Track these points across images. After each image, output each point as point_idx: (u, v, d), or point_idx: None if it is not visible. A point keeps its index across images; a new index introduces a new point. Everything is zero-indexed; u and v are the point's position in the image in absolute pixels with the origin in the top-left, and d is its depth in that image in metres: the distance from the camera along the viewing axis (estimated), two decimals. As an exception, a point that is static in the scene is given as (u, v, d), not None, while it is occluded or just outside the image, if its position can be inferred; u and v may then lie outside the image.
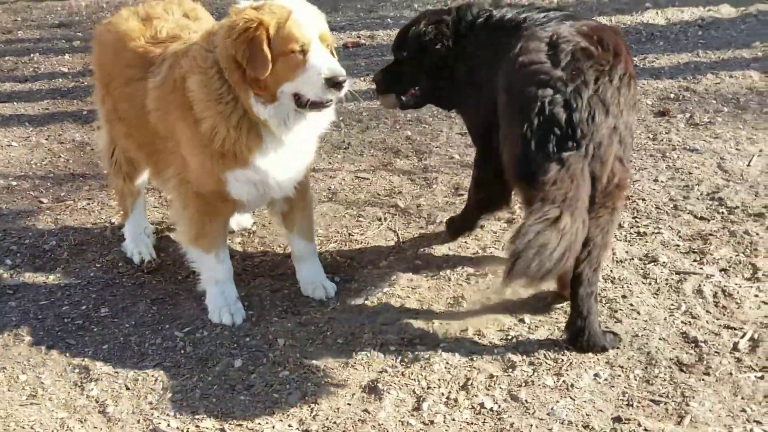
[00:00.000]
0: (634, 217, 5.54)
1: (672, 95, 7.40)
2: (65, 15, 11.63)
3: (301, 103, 4.26)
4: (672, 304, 4.66)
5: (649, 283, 4.86)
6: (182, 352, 4.49)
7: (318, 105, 4.26)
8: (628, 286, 4.83)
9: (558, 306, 4.67)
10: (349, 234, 5.56)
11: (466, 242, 5.35)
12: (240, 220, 5.59)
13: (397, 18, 10.23)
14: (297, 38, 4.17)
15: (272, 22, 4.19)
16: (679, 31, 9.05)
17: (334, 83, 4.18)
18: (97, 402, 4.18)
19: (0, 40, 10.52)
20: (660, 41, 8.82)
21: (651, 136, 6.64)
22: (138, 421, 4.05)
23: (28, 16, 11.68)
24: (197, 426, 4.00)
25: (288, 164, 4.51)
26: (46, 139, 7.26)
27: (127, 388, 4.26)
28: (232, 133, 4.36)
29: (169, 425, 4.00)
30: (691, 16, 9.44)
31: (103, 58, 5.06)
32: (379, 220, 5.71)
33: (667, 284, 4.84)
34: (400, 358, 4.36)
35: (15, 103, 8.15)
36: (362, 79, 8.21)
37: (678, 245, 5.21)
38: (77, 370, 4.40)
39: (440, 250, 5.29)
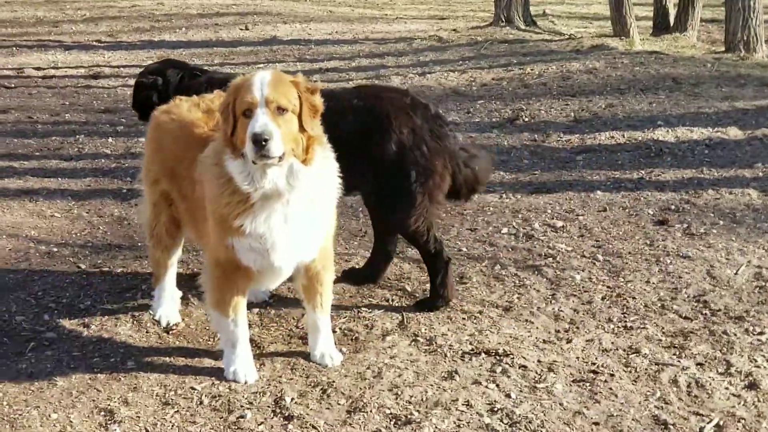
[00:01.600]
0: (623, 313, 5.99)
1: (673, 206, 7.91)
2: (110, 102, 12.38)
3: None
4: (648, 391, 5.08)
5: (630, 372, 5.29)
6: (199, 402, 4.95)
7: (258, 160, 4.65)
8: (609, 373, 5.26)
9: (542, 385, 5.11)
10: (358, 311, 6.04)
11: (464, 324, 5.82)
12: (257, 294, 6.09)
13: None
14: (246, 102, 4.66)
15: (237, 89, 4.77)
16: (686, 149, 9.60)
17: (254, 140, 4.55)
18: (119, 441, 4.66)
19: (48, 122, 11.26)
20: (668, 157, 9.38)
21: (648, 243, 7.12)
22: (155, 459, 4.51)
23: (75, 100, 12.44)
24: (208, 466, 4.46)
25: (286, 230, 4.88)
26: (87, 212, 7.87)
27: (147, 431, 4.73)
28: (221, 197, 4.85)
29: (182, 464, 4.46)
30: (699, 136, 10.01)
31: (164, 142, 5.63)
32: (387, 301, 6.19)
33: (646, 373, 5.26)
34: (394, 420, 4.80)
35: (59, 179, 8.77)
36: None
37: (660, 340, 5.65)
38: (103, 413, 4.86)
39: (440, 329, 5.76)
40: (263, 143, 4.54)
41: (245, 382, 5.15)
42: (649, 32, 18.46)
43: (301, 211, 4.90)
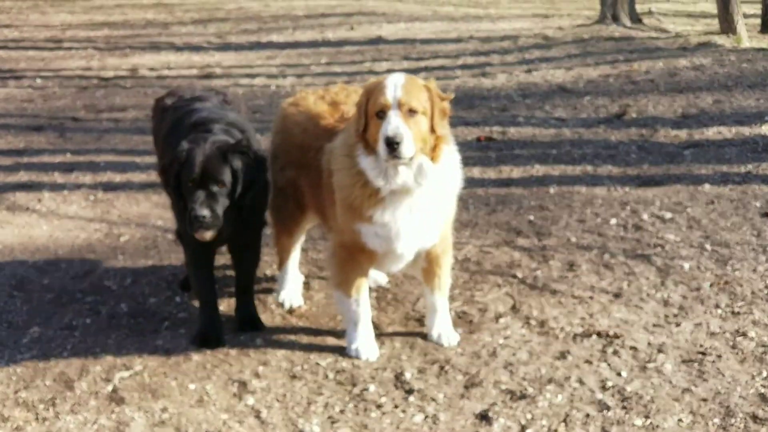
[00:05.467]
0: (730, 299, 6.12)
1: (780, 200, 7.98)
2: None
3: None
4: (755, 371, 5.22)
5: (737, 353, 5.44)
6: (325, 376, 5.27)
7: (390, 160, 4.95)
8: (717, 354, 5.42)
9: (652, 365, 5.30)
10: (472, 296, 6.30)
11: (575, 309, 6.03)
12: (377, 278, 6.39)
13: (528, 117, 11.05)
14: (380, 104, 4.94)
15: (371, 91, 5.06)
16: (795, 144, 9.62)
17: (388, 143, 4.85)
18: (252, 409, 4.98)
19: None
20: (775, 151, 9.41)
21: (755, 233, 7.21)
22: (286, 425, 4.82)
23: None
24: (335, 432, 4.78)
25: (410, 220, 5.19)
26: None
27: (278, 401, 5.05)
28: (353, 188, 5.17)
29: (312, 430, 4.76)
30: (809, 130, 10.01)
31: (291, 133, 5.96)
32: (498, 286, 6.43)
33: (752, 355, 5.40)
34: (509, 395, 5.05)
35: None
36: (491, 168, 9.04)
37: (767, 324, 5.78)
38: (236, 385, 5.22)
39: (551, 313, 5.98)
40: (395, 146, 4.82)
41: (367, 359, 5.45)
42: (757, 30, 18.30)
43: (426, 203, 5.19)
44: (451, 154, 5.29)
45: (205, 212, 5.29)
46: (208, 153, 5.37)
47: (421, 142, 4.99)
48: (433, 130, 5.04)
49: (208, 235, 5.38)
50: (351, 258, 5.42)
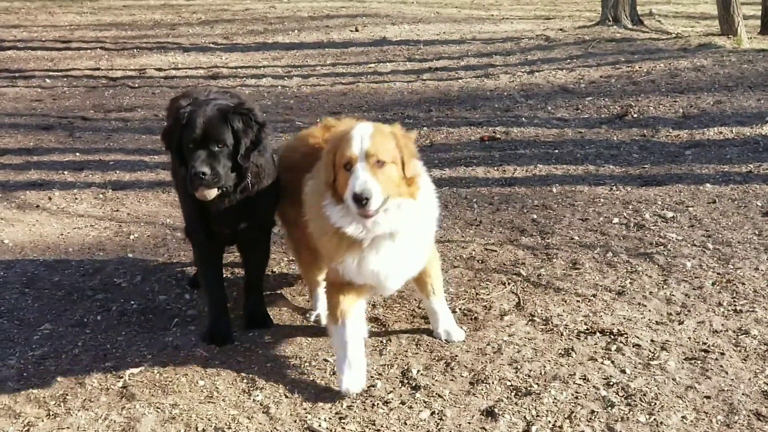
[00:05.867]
0: (732, 297, 6.19)
1: (781, 199, 8.06)
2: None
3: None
4: (758, 368, 5.30)
5: (739, 351, 5.52)
6: (332, 372, 5.35)
7: (361, 216, 4.86)
8: (720, 351, 5.50)
9: (656, 362, 5.38)
10: (477, 294, 6.38)
11: (579, 306, 6.11)
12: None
13: (531, 118, 11.12)
14: (346, 157, 4.85)
15: (338, 141, 4.98)
16: (796, 143, 9.70)
17: (355, 199, 4.76)
18: (261, 405, 5.07)
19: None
20: (777, 151, 9.49)
21: (757, 232, 7.29)
22: (295, 421, 4.91)
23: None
24: (343, 428, 4.85)
25: (396, 259, 5.12)
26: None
27: (286, 396, 5.14)
28: (332, 237, 5.09)
29: (320, 425, 4.85)
30: (809, 130, 10.09)
31: (294, 166, 5.85)
32: (503, 284, 6.52)
33: (755, 352, 5.48)
34: (515, 392, 5.13)
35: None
36: (495, 168, 9.12)
37: (769, 322, 5.87)
38: (245, 381, 5.31)
39: (555, 311, 6.06)
40: (364, 201, 4.75)
41: (347, 390, 5.10)
42: (756, 31, 18.35)
43: (409, 238, 5.14)
44: (425, 185, 5.24)
45: (205, 169, 5.32)
46: (209, 114, 5.44)
47: (395, 188, 4.92)
48: (404, 173, 4.98)
49: (209, 193, 5.40)
50: (340, 289, 5.26)
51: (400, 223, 5.00)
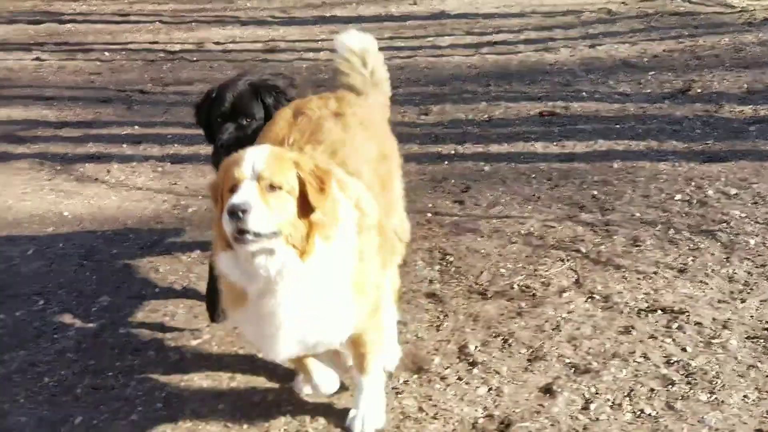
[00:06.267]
0: (797, 277, 6.09)
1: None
2: (288, 74, 12.81)
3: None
4: (823, 351, 5.21)
5: (804, 332, 5.42)
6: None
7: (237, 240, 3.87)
8: (784, 332, 5.41)
9: (717, 341, 5.29)
10: (535, 270, 6.31)
11: (639, 284, 6.02)
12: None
13: (592, 92, 10.97)
14: (233, 179, 3.94)
15: (227, 166, 4.06)
16: None
17: (230, 213, 3.80)
18: (318, 379, 5.08)
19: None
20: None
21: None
22: (351, 395, 4.91)
23: (256, 72, 12.89)
24: (400, 402, 4.86)
25: (279, 324, 4.13)
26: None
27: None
28: (223, 284, 4.31)
29: (376, 400, 4.85)
30: None
31: None
32: (562, 260, 6.44)
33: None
34: (573, 369, 5.07)
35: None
36: (554, 143, 9.01)
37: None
38: (302, 354, 5.31)
39: (615, 288, 5.98)
40: (240, 214, 3.77)
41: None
42: (827, 3, 17.95)
43: (302, 304, 4.10)
44: (332, 245, 4.10)
45: (232, 140, 5.30)
46: (240, 89, 5.45)
47: (288, 226, 3.92)
48: (305, 213, 3.98)
49: None
50: None
51: (279, 279, 3.99)
